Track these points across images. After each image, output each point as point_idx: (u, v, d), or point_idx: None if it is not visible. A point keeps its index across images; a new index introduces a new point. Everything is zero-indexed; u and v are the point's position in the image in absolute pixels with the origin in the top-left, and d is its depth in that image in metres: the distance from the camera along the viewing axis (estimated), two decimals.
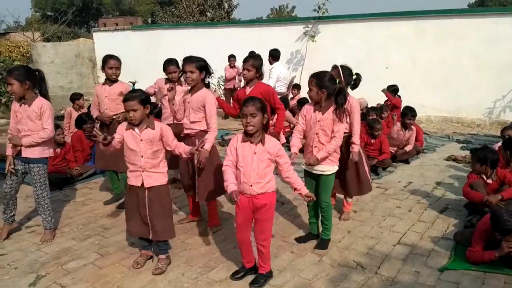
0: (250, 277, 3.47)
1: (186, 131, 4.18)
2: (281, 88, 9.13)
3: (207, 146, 3.96)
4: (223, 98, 12.00)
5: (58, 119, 10.43)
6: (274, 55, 8.94)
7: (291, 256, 3.90)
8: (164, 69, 5.52)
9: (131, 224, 3.66)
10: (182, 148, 3.62)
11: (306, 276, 3.55)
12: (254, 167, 3.18)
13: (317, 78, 3.71)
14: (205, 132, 4.11)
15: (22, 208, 4.98)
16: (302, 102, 9.09)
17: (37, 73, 4.13)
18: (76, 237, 4.36)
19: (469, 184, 4.55)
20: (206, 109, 4.07)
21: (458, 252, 3.84)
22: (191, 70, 4.07)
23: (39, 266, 3.77)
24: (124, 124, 3.55)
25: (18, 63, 12.51)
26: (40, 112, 4.02)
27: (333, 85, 3.70)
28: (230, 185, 3.15)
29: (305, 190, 3.35)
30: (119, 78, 4.95)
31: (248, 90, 4.56)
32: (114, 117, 4.84)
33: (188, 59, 4.13)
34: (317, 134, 3.80)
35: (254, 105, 3.15)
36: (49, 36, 20.94)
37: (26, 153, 4.09)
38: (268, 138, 3.25)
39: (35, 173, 4.15)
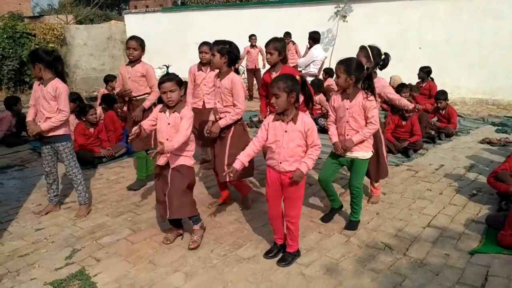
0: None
1: (222, 115, 4.20)
2: (314, 69, 9.05)
3: (221, 122, 4.09)
4: (245, 81, 11.99)
5: (92, 100, 10.70)
6: (315, 38, 8.84)
7: (319, 236, 3.92)
8: (199, 49, 5.53)
9: (159, 207, 3.77)
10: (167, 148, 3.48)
11: (333, 256, 3.57)
12: (284, 145, 3.22)
13: (345, 65, 3.69)
14: None
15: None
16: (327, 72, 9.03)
17: (53, 53, 4.23)
18: (109, 214, 4.51)
19: (493, 176, 4.46)
20: (233, 93, 4.08)
21: (489, 235, 3.77)
22: (213, 53, 4.14)
23: (74, 240, 3.93)
24: (159, 106, 3.64)
25: (53, 45, 12.84)
26: (56, 94, 4.12)
27: (361, 71, 3.69)
28: (238, 161, 3.35)
29: (304, 169, 3.22)
30: (143, 59, 5.00)
31: (274, 75, 4.52)
32: (133, 100, 4.91)
33: (212, 43, 4.20)
34: (347, 122, 3.80)
35: (277, 86, 3.16)
36: (82, 19, 21.28)
37: (48, 133, 4.22)
38: (301, 116, 3.23)
39: (61, 151, 4.30)
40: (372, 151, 3.93)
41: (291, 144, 3.22)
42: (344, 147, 3.81)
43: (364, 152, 3.86)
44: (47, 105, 4.17)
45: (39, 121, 4.22)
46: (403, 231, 3.97)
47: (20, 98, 8.25)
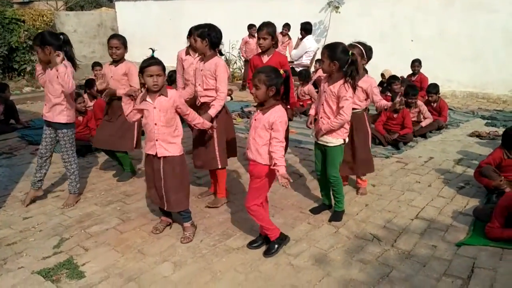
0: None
1: (202, 99, 4.18)
2: (306, 60, 9.04)
3: (212, 111, 4.04)
4: (243, 69, 11.93)
5: (81, 88, 10.57)
6: (307, 28, 8.81)
7: (308, 227, 3.93)
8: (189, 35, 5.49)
9: (151, 192, 3.76)
10: (200, 122, 3.71)
11: (322, 246, 3.58)
12: (251, 133, 3.29)
13: (330, 50, 3.67)
14: None
15: (47, 173, 5.13)
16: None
17: (61, 36, 4.19)
18: (98, 203, 4.48)
19: (479, 170, 4.54)
20: (216, 76, 4.05)
21: (476, 227, 3.81)
22: (194, 39, 4.20)
23: (63, 229, 3.91)
24: (139, 97, 3.57)
25: None
26: (58, 75, 4.07)
27: (345, 57, 3.65)
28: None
29: (282, 170, 3.14)
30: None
31: (266, 58, 4.55)
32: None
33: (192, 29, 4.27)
34: (322, 105, 3.84)
35: (258, 78, 3.18)
36: (72, 5, 20.94)
37: (47, 118, 4.24)
38: (273, 110, 3.20)
39: (60, 138, 4.28)
40: (344, 139, 3.89)
41: (253, 132, 3.27)
42: (316, 135, 3.90)
43: (333, 138, 3.83)
44: (52, 88, 4.15)
45: (45, 104, 4.24)
46: (392, 222, 4.00)
47: (8, 85, 8.13)
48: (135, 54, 8.19)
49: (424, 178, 5.08)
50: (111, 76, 4.83)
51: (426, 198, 4.52)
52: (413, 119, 6.87)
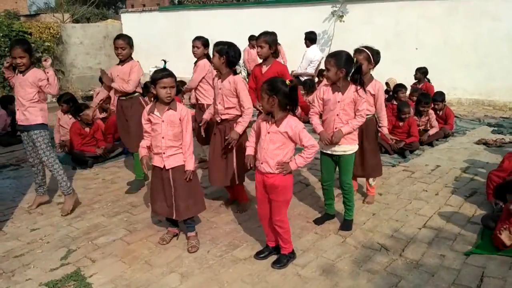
0: (274, 257, 3.52)
1: (223, 117, 4.18)
2: (311, 70, 9.05)
3: (239, 129, 4.05)
4: (246, 81, 11.96)
5: (88, 99, 10.65)
6: (311, 38, 8.83)
7: (315, 236, 3.92)
8: (192, 44, 5.52)
9: (157, 205, 3.73)
10: (189, 160, 3.59)
11: (330, 256, 3.57)
12: (265, 146, 3.23)
13: (336, 58, 3.69)
14: (240, 116, 4.15)
15: (53, 185, 5.15)
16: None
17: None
18: (105, 214, 4.49)
19: (499, 176, 4.38)
20: (238, 93, 4.06)
21: (485, 236, 3.78)
22: (213, 54, 4.16)
23: (70, 241, 3.92)
24: (147, 109, 3.60)
25: (49, 44, 12.77)
26: (38, 84, 4.24)
27: (351, 64, 3.70)
28: (249, 148, 3.40)
29: (293, 167, 3.24)
30: (139, 59, 4.97)
31: (265, 68, 4.59)
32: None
33: (214, 44, 4.19)
34: (337, 115, 3.79)
35: (261, 87, 3.21)
36: (78, 17, 21.17)
37: (22, 122, 4.30)
38: (287, 120, 3.21)
39: (35, 140, 4.29)
40: (357, 144, 3.95)
41: (271, 145, 3.21)
42: (334, 140, 3.77)
43: (351, 145, 3.86)
44: (23, 93, 4.26)
45: (17, 110, 4.32)
46: (399, 231, 3.97)
47: (14, 98, 8.19)
48: (141, 65, 8.27)
49: (431, 186, 5.05)
50: (117, 75, 4.86)
51: (434, 206, 4.49)
52: (422, 127, 6.86)
